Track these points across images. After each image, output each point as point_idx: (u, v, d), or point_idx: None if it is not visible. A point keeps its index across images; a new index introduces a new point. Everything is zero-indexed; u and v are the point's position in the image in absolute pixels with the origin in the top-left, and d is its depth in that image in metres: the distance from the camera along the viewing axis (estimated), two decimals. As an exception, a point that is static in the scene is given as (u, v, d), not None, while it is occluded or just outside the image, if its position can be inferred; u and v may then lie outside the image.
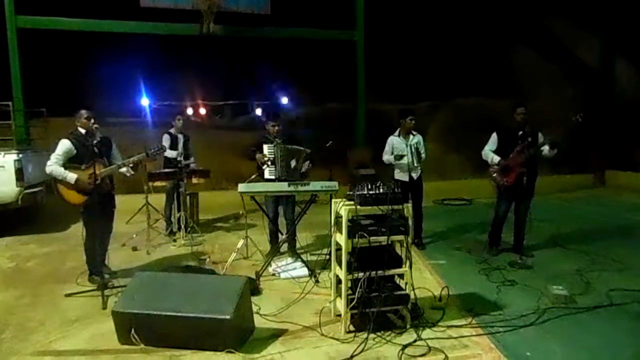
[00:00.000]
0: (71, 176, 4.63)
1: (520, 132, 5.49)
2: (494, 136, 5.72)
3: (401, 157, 5.97)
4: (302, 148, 5.54)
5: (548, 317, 3.94)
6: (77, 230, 5.27)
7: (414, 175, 6.07)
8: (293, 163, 5.51)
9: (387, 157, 6.11)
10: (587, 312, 4.05)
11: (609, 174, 12.03)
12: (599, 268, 5.19)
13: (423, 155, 6.13)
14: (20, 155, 7.07)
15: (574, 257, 5.67)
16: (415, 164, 6.04)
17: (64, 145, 4.70)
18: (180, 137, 7.14)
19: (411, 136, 6.09)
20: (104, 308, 4.19)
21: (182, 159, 6.88)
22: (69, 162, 4.71)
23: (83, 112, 4.84)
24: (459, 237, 6.81)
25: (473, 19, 13.69)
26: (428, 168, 6.19)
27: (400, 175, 6.07)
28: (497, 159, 5.62)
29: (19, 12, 9.60)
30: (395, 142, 6.10)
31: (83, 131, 4.82)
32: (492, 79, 13.71)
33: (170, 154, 6.87)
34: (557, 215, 7.91)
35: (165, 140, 6.92)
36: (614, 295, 4.37)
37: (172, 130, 7.15)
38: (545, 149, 5.44)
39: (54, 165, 4.65)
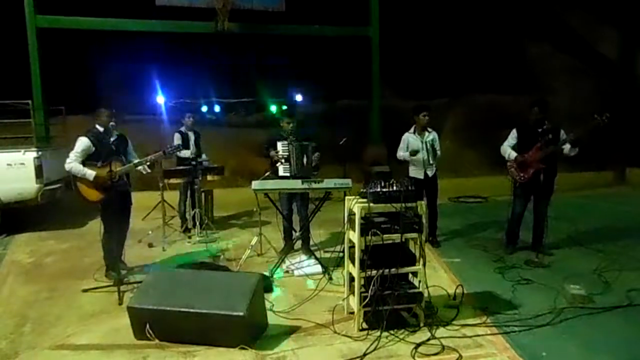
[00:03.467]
0: (90, 173, 4.70)
1: (541, 129, 5.41)
2: (514, 132, 5.67)
3: (416, 152, 5.92)
4: (308, 142, 5.54)
5: (565, 317, 3.88)
6: (95, 226, 5.36)
7: (429, 173, 6.02)
8: (305, 159, 5.50)
9: (401, 153, 6.06)
10: (606, 312, 3.98)
11: (630, 172, 11.77)
12: (618, 267, 5.08)
13: (438, 153, 6.08)
14: (40, 153, 7.19)
15: (593, 256, 5.56)
16: (431, 161, 5.99)
17: (83, 143, 4.77)
18: (191, 134, 7.19)
19: (426, 133, 6.04)
20: (120, 303, 4.25)
21: (195, 156, 6.95)
22: (87, 160, 4.77)
23: (104, 110, 4.91)
24: (474, 235, 6.74)
25: (489, 14, 13.50)
26: (443, 165, 6.14)
27: (415, 173, 6.03)
28: (514, 154, 5.55)
29: (38, 12, 9.77)
30: (410, 139, 6.05)
31: (101, 129, 4.89)
32: (509, 75, 13.51)
33: (183, 153, 6.91)
34: (576, 213, 7.77)
35: (177, 139, 6.95)
36: (633, 296, 4.28)
37: (183, 129, 7.20)
38: (567, 147, 5.34)
39: (73, 163, 4.72)
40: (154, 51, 11.77)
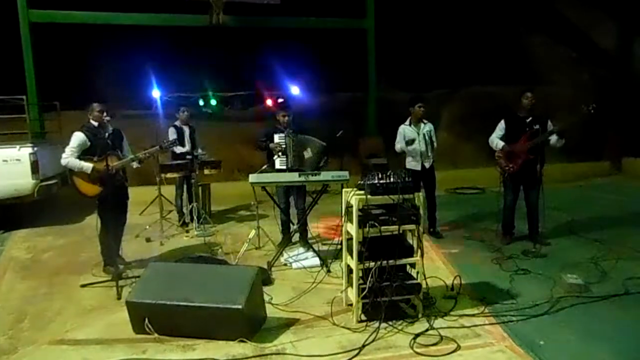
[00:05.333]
0: (87, 166, 4.69)
1: (529, 119, 5.43)
2: (502, 123, 5.68)
3: (412, 140, 5.90)
4: (317, 140, 5.51)
5: (562, 306, 3.91)
6: (92, 221, 5.34)
7: (426, 164, 6.02)
8: (305, 154, 5.49)
9: (399, 145, 6.04)
10: (602, 301, 4.00)
11: (626, 161, 11.79)
12: (614, 257, 5.10)
13: (435, 144, 6.07)
14: (35, 149, 7.15)
15: (589, 245, 5.59)
16: (429, 153, 5.99)
17: (78, 137, 4.75)
18: (186, 129, 7.17)
19: (422, 124, 6.03)
20: (119, 298, 4.25)
21: (190, 149, 6.96)
22: (83, 155, 4.76)
23: (95, 105, 4.89)
24: (471, 226, 6.75)
25: (485, 5, 13.45)
26: (440, 156, 6.14)
27: (412, 165, 6.02)
28: (501, 144, 5.57)
29: (31, 7, 9.67)
30: (406, 131, 6.04)
31: (95, 124, 4.87)
32: (505, 66, 13.48)
33: (179, 149, 6.90)
34: (572, 203, 7.79)
35: (172, 134, 6.91)
36: (630, 284, 4.30)
37: (177, 123, 7.17)
38: (553, 138, 5.36)
39: (69, 158, 4.70)
40: (149, 45, 11.68)
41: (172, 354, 3.33)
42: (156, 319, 3.49)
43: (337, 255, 5.06)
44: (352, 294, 3.75)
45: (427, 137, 5.95)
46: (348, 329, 3.61)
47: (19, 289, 4.74)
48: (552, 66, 13.72)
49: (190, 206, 6.83)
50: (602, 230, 6.16)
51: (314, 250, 5.23)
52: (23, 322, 3.94)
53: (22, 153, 7.04)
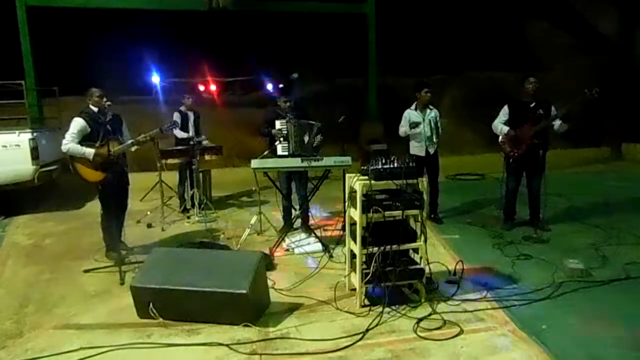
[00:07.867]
0: (89, 152, 4.66)
1: (533, 104, 5.41)
2: (505, 108, 5.66)
3: (417, 124, 5.87)
4: (313, 122, 5.53)
5: (564, 291, 3.93)
6: (93, 207, 5.35)
7: (431, 150, 6.01)
8: (306, 138, 5.48)
9: (403, 129, 6.01)
10: (603, 286, 4.03)
11: (626, 147, 11.80)
12: (615, 242, 5.14)
13: (440, 130, 6.04)
14: (35, 134, 7.10)
15: (590, 231, 5.61)
16: (434, 139, 5.97)
17: (78, 123, 4.71)
18: (191, 114, 7.16)
19: (428, 110, 6.00)
20: (122, 283, 4.27)
21: (193, 135, 6.97)
22: (84, 141, 4.72)
23: (95, 90, 4.84)
24: (472, 211, 6.77)
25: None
26: (441, 142, 6.14)
27: (416, 150, 6.00)
28: (506, 129, 5.55)
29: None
30: (412, 116, 6.00)
31: (95, 109, 4.82)
32: (506, 52, 13.40)
33: (181, 134, 6.90)
34: (573, 189, 7.80)
35: (177, 118, 6.93)
36: (630, 269, 4.34)
37: (182, 108, 7.16)
38: (557, 122, 5.35)
39: (70, 144, 4.66)
40: (149, 30, 11.56)
41: (177, 338, 3.35)
42: (160, 304, 3.50)
43: (339, 240, 5.09)
44: (356, 279, 3.77)
45: (432, 123, 5.93)
46: (352, 313, 3.63)
47: (22, 274, 4.74)
48: (552, 52, 13.64)
49: (192, 192, 6.82)
50: (602, 215, 6.19)
51: (315, 236, 5.24)
52: (28, 307, 3.95)
53: (21, 139, 6.99)
